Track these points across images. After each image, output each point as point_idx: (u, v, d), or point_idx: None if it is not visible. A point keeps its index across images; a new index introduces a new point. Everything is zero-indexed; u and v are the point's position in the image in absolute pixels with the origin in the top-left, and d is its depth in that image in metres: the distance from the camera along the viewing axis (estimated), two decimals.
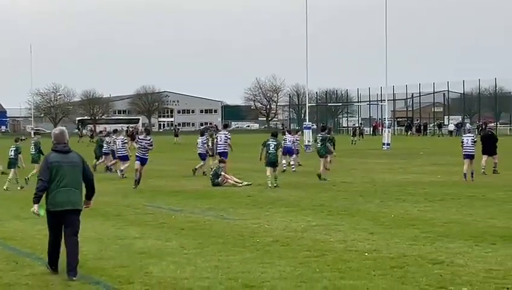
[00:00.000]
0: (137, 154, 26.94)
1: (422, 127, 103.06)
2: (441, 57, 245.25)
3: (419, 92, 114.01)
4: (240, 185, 25.69)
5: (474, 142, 27.91)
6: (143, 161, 26.64)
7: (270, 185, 24.89)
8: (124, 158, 32.24)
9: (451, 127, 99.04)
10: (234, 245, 13.47)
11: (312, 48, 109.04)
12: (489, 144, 30.11)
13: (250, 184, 25.83)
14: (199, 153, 32.29)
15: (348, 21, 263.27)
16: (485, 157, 29.59)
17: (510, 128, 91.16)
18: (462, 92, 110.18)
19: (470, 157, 27.29)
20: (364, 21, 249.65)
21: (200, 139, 32.36)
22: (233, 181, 25.86)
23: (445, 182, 26.12)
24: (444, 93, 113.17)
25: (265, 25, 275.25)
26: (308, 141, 56.80)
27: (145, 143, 26.81)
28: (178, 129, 78.06)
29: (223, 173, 26.30)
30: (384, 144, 57.96)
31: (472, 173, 26.90)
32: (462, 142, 28.28)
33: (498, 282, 10.00)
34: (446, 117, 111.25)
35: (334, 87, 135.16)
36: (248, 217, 17.34)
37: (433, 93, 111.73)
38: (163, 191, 24.58)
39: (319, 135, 29.39)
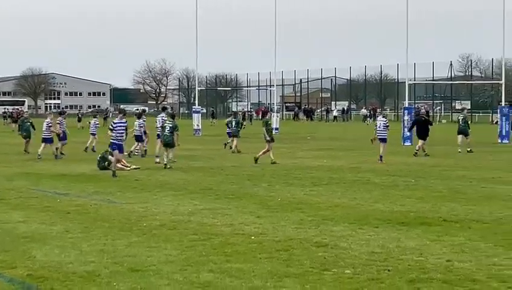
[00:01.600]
0: (114, 141, 24.01)
1: (308, 113, 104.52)
2: (330, 43, 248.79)
3: (308, 78, 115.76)
4: (128, 168, 25.43)
5: (386, 126, 28.99)
6: (121, 149, 24.39)
7: (160, 162, 27.03)
8: (49, 141, 31.48)
9: (336, 112, 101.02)
10: (120, 229, 13.35)
11: (203, 31, 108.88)
12: (423, 129, 32.67)
13: (139, 168, 25.61)
14: (136, 136, 31.97)
15: (238, 5, 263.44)
16: (420, 141, 32.17)
17: (395, 114, 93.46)
18: (349, 78, 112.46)
19: (382, 141, 28.68)
20: (253, 6, 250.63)
21: (137, 122, 32.19)
22: (121, 165, 25.57)
23: (331, 166, 26.59)
24: (331, 79, 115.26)
25: (155, 7, 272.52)
26: (197, 125, 56.86)
27: (123, 126, 24.67)
28: (82, 115, 76.13)
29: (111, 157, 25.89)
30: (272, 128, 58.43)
31: (381, 157, 28.20)
32: (376, 126, 29.74)
33: (380, 264, 10.25)
34: (333, 103, 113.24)
35: (224, 71, 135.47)
36: (135, 201, 17.19)
37: (321, 79, 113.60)
38: (50, 174, 24.08)
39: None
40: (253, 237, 12.44)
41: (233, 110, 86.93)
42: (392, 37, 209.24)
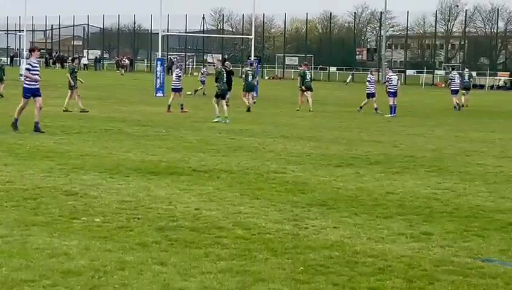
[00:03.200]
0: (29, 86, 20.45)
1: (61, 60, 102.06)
2: None
3: (59, 24, 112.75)
4: None
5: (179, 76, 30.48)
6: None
7: None
8: None
9: (85, 60, 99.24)
10: None
11: None
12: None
13: None
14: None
15: None
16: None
17: (147, 65, 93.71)
18: (102, 26, 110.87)
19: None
20: None
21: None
22: None
23: (83, 115, 26.20)
24: (84, 27, 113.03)
25: None
26: None
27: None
28: None
29: None
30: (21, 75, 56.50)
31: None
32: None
33: (130, 213, 10.31)
34: (85, 51, 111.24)
35: None
36: None
37: (73, 26, 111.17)
38: None
39: None
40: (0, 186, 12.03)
41: None
42: None
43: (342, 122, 27.06)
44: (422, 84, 74.27)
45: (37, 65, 20.77)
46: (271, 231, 9.45)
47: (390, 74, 33.37)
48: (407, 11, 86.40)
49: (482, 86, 69.63)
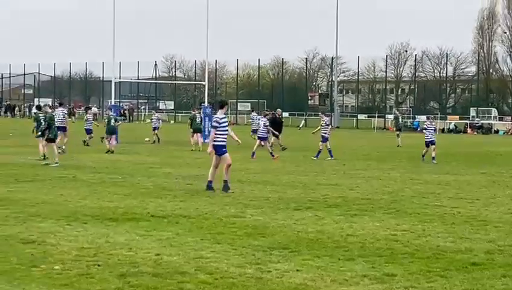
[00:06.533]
0: None
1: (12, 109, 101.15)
2: (32, 40, 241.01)
3: (10, 73, 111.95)
4: None
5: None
6: None
7: None
8: None
9: (35, 109, 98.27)
10: None
11: None
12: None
13: None
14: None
15: None
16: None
17: (99, 113, 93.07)
18: (53, 74, 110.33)
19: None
20: None
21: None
22: None
23: (35, 163, 25.86)
24: (34, 75, 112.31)
25: None
26: None
27: None
28: None
29: None
30: None
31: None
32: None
33: (90, 260, 10.14)
34: (36, 99, 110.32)
35: None
36: None
37: (24, 74, 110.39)
38: None
39: None
40: None
41: None
42: (98, 35, 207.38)
43: (297, 167, 27.13)
44: (374, 128, 75.04)
45: None
46: (234, 275, 9.37)
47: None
48: (358, 56, 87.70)
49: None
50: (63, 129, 32.23)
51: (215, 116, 19.07)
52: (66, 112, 34.19)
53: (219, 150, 18.51)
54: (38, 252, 10.58)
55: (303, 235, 12.37)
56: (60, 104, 36.77)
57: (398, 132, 43.96)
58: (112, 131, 34.23)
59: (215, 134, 18.50)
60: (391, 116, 39.50)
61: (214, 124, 18.65)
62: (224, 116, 19.05)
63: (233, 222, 13.74)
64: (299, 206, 16.01)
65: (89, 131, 38.74)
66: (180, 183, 20.31)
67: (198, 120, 38.05)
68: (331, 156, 30.69)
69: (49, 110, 27.86)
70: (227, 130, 18.81)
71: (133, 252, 10.70)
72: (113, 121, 34.92)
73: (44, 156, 26.09)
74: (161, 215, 14.37)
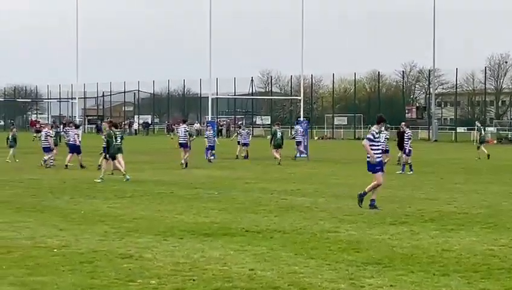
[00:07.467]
0: None
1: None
2: (133, 56, 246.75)
3: (110, 91, 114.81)
4: None
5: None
6: None
7: None
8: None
9: (136, 126, 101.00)
10: None
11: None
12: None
13: None
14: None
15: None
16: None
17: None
18: (153, 92, 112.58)
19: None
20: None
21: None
22: None
23: (136, 179, 26.42)
24: (134, 93, 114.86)
25: None
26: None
27: None
28: None
29: None
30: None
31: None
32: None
33: (185, 274, 10.32)
34: (136, 116, 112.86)
35: (23, 83, 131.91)
36: None
37: (124, 92, 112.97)
38: None
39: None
40: (55, 250, 12.15)
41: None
42: (196, 53, 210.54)
43: (392, 181, 26.86)
44: (473, 141, 73.55)
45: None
46: None
47: None
48: (456, 68, 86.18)
49: None
50: (185, 146, 33.63)
51: (372, 129, 18.81)
52: (188, 129, 34.93)
53: (371, 168, 18.42)
54: (135, 267, 10.83)
55: (397, 250, 12.26)
56: (184, 122, 37.44)
57: (479, 145, 43.64)
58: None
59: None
60: (477, 129, 39.17)
61: (370, 136, 18.41)
62: (380, 131, 18.76)
63: (328, 237, 13.73)
64: (395, 221, 15.86)
65: (212, 148, 39.97)
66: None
67: (279, 135, 38.13)
68: (403, 170, 30.53)
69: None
70: (380, 147, 18.71)
71: (227, 267, 10.83)
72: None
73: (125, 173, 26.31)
74: (255, 230, 14.48)
